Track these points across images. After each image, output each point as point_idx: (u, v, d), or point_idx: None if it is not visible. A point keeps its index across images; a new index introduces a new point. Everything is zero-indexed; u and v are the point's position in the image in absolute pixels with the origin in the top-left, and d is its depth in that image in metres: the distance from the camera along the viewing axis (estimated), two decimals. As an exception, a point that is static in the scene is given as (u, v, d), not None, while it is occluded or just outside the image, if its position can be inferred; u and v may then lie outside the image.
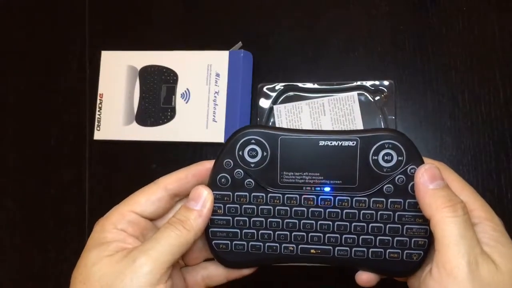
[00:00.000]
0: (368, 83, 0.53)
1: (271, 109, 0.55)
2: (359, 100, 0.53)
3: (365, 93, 0.53)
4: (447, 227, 0.28)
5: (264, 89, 0.55)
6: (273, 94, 0.55)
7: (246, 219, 0.35)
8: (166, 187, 0.35)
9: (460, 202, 0.29)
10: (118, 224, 0.33)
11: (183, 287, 0.36)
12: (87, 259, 0.31)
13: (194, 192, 0.34)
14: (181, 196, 0.36)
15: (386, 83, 0.53)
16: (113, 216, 0.34)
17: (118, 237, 0.32)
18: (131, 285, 0.29)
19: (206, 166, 0.35)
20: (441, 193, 0.30)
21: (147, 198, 0.35)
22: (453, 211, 0.29)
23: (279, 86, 0.55)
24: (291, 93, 0.55)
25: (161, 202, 0.35)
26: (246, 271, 0.37)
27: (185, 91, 0.56)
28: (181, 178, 0.35)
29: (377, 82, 0.53)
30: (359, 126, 0.53)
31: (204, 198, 0.33)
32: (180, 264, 0.37)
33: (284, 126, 0.54)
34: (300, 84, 0.54)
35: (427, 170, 0.32)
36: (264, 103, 0.55)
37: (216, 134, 0.54)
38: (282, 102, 0.55)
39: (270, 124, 0.55)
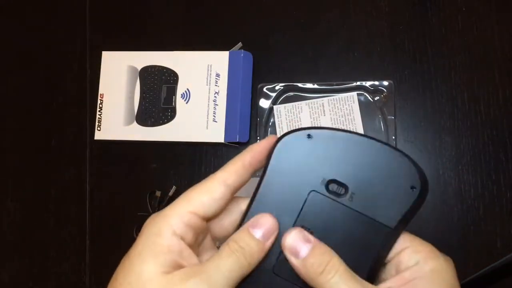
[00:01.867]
0: (367, 83, 0.53)
1: (271, 109, 0.55)
2: (359, 100, 0.53)
3: (365, 93, 0.53)
4: None
5: (264, 89, 0.55)
6: (273, 94, 0.55)
7: None
8: (226, 183, 0.30)
9: (328, 262, 0.28)
10: (177, 229, 0.29)
11: None
12: (142, 270, 0.27)
13: (263, 219, 0.30)
14: (238, 190, 0.32)
15: (385, 83, 0.53)
16: (172, 218, 0.29)
17: (176, 248, 0.28)
18: None
19: (258, 150, 0.31)
20: (310, 262, 0.28)
21: (211, 197, 0.30)
22: (326, 276, 0.27)
23: (279, 86, 0.55)
24: (291, 93, 0.55)
25: (223, 201, 0.31)
26: None
27: (185, 91, 0.56)
28: (239, 170, 0.31)
29: (376, 83, 0.53)
30: (359, 126, 0.53)
31: (270, 230, 0.30)
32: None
33: (284, 126, 0.54)
34: (300, 84, 0.54)
35: (286, 244, 0.29)
36: (264, 103, 0.55)
37: (216, 134, 0.54)
38: (282, 102, 0.55)
39: (270, 124, 0.55)
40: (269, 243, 0.29)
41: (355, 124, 0.53)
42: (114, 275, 0.28)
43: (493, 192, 0.50)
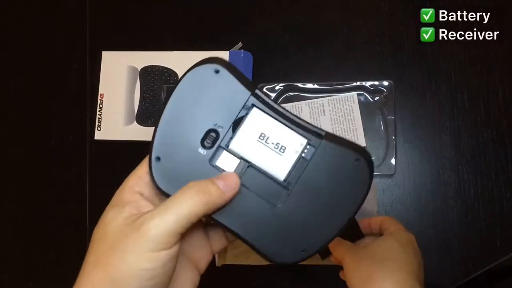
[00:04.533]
0: (367, 84, 0.53)
1: (271, 109, 0.55)
2: (359, 100, 0.53)
3: (365, 93, 0.53)
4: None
5: (264, 89, 0.55)
6: (273, 95, 0.55)
7: None
8: None
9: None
10: (135, 186, 0.33)
11: (203, 245, 0.36)
12: (105, 218, 0.32)
13: (225, 174, 0.32)
14: None
15: (385, 83, 0.53)
16: (131, 178, 0.34)
17: (132, 199, 0.33)
18: (132, 250, 0.29)
19: None
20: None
21: None
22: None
23: (279, 86, 0.55)
24: (291, 93, 0.55)
25: None
26: None
27: (185, 91, 0.56)
28: None
29: (376, 83, 0.53)
30: (359, 126, 0.53)
31: (233, 184, 0.32)
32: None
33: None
34: (300, 84, 0.54)
35: None
36: (264, 103, 0.55)
37: (216, 134, 0.54)
38: (282, 102, 0.55)
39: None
40: (229, 195, 0.32)
41: (355, 124, 0.53)
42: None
43: (493, 192, 0.50)
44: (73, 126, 0.59)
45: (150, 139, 0.60)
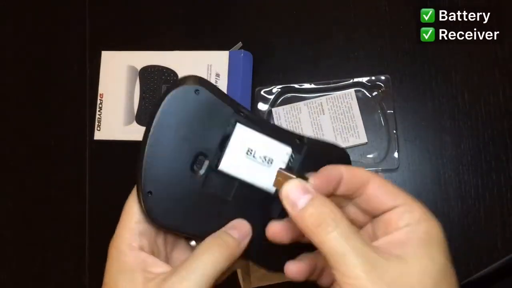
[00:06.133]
0: (364, 79, 0.53)
1: (270, 112, 0.55)
2: (357, 97, 0.53)
3: (362, 90, 0.53)
4: (328, 246, 0.26)
5: (262, 92, 0.55)
6: (271, 97, 0.55)
7: None
8: None
9: (329, 214, 0.26)
10: (133, 242, 0.31)
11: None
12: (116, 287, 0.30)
13: (236, 222, 0.32)
14: None
15: (382, 77, 0.53)
16: (124, 234, 0.32)
17: (137, 260, 0.30)
18: None
19: None
20: (308, 212, 0.27)
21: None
22: (325, 229, 0.26)
23: (276, 88, 0.55)
24: (288, 95, 0.55)
25: None
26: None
27: (185, 91, 0.56)
28: None
29: (373, 78, 0.53)
30: (359, 122, 0.53)
31: (246, 231, 0.32)
32: None
33: (284, 128, 0.54)
34: (296, 85, 0.54)
35: (284, 194, 0.28)
36: (263, 106, 0.55)
37: (216, 134, 0.54)
38: (280, 104, 0.55)
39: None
40: (244, 244, 0.31)
41: (355, 120, 0.53)
42: None
43: (493, 192, 0.50)
44: (73, 126, 0.59)
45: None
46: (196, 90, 0.31)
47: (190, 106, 0.31)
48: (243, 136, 0.32)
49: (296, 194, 0.27)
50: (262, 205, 0.32)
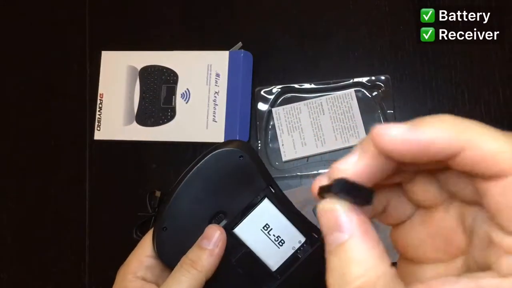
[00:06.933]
0: (364, 79, 0.53)
1: (270, 112, 0.55)
2: (357, 97, 0.53)
3: (362, 90, 0.53)
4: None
5: (262, 92, 0.55)
6: (271, 97, 0.55)
7: None
8: None
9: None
10: (137, 271, 0.34)
11: None
12: None
13: (208, 231, 0.34)
14: None
15: (382, 77, 0.53)
16: (132, 263, 0.35)
17: (137, 285, 0.34)
18: None
19: None
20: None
21: None
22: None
23: (276, 88, 0.55)
24: (288, 95, 0.55)
25: None
26: None
27: (185, 91, 0.56)
28: None
29: (373, 78, 0.53)
30: (359, 122, 0.53)
31: (216, 238, 0.33)
32: None
33: (284, 128, 0.54)
34: (296, 85, 0.54)
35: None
36: (262, 106, 0.55)
37: (216, 134, 0.54)
38: (280, 104, 0.55)
39: (270, 127, 0.55)
40: (218, 249, 0.33)
41: (355, 120, 0.53)
42: None
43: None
44: (73, 126, 0.59)
45: (150, 139, 0.60)
46: (241, 156, 0.33)
47: (229, 167, 0.33)
48: (266, 211, 0.34)
49: (331, 225, 0.20)
50: (260, 278, 0.34)
